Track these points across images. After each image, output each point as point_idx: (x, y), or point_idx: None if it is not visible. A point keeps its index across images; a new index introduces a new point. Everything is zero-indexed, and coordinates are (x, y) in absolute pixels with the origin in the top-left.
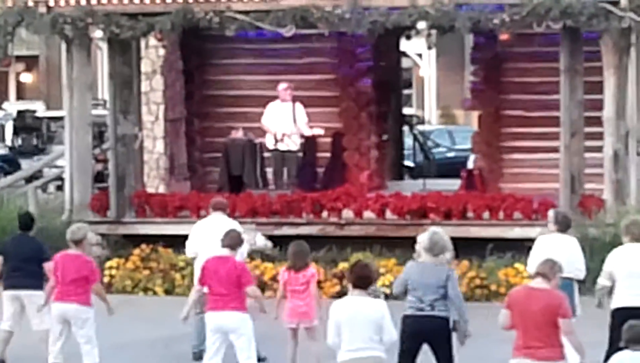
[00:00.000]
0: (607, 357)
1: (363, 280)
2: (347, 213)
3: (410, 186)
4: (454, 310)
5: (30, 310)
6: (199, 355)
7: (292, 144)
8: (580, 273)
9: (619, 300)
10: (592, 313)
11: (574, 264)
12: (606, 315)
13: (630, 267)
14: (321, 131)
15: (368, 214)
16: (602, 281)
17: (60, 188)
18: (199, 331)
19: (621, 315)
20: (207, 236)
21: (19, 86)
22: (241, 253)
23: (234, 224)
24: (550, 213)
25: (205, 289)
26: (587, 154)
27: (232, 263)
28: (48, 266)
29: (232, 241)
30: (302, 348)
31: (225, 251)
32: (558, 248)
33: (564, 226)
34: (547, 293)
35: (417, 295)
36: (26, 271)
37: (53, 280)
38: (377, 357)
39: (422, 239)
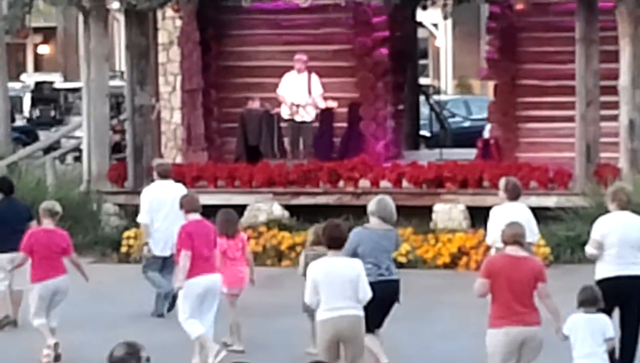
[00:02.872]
0: None
1: (336, 240)
2: (364, 183)
3: (426, 156)
4: None
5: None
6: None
7: (307, 115)
8: (536, 237)
9: (606, 269)
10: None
11: (530, 229)
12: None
13: (617, 235)
14: (334, 104)
15: (384, 183)
16: (590, 249)
17: (78, 158)
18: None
19: (608, 284)
20: (159, 202)
21: (37, 57)
22: None
23: (182, 189)
24: (501, 182)
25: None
26: (603, 123)
27: (208, 225)
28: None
29: (195, 204)
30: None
31: (195, 216)
32: (514, 216)
33: (514, 194)
34: (529, 260)
35: (372, 261)
36: (18, 234)
37: (25, 255)
38: (356, 316)
39: (371, 205)
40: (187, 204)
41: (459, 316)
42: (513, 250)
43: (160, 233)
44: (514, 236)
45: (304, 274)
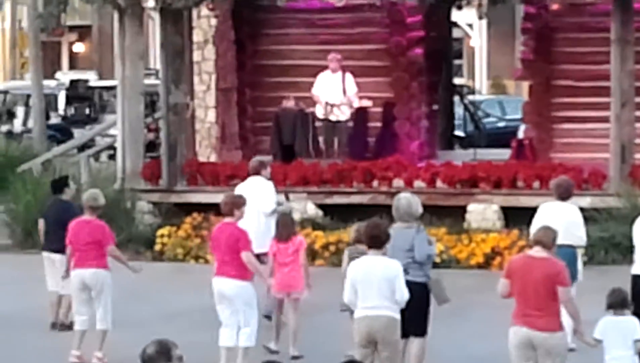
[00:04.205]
0: None
1: (376, 239)
2: (398, 182)
3: (460, 156)
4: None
5: (58, 272)
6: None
7: (342, 114)
8: (581, 241)
9: (636, 267)
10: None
11: (575, 232)
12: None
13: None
14: (369, 103)
15: (418, 183)
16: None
17: (112, 156)
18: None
19: (632, 283)
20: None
21: (72, 55)
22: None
23: (264, 187)
24: (552, 181)
25: None
26: (638, 124)
27: (232, 229)
28: None
29: (227, 206)
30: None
31: (228, 219)
32: (558, 216)
33: (559, 193)
34: (547, 261)
35: None
36: (56, 234)
37: (69, 247)
38: (390, 317)
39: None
40: (222, 207)
41: (492, 317)
42: (535, 251)
43: None
44: (536, 237)
45: None
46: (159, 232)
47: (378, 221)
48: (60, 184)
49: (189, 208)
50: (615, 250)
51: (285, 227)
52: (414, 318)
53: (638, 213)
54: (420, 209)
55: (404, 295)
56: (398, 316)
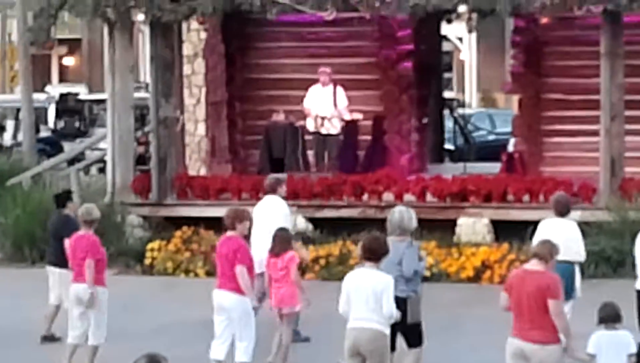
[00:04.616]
0: None
1: (373, 252)
2: (388, 196)
3: (450, 169)
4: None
5: (57, 285)
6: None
7: (332, 127)
8: (579, 257)
9: (638, 282)
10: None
11: (573, 247)
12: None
13: (637, 249)
14: (360, 116)
15: (408, 197)
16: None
17: (102, 170)
18: None
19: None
20: (255, 219)
21: (62, 69)
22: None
23: (282, 206)
24: (551, 198)
25: None
26: (628, 138)
27: (232, 242)
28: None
29: (229, 220)
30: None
31: (230, 233)
32: (557, 232)
33: (558, 210)
34: (540, 274)
35: None
36: (54, 247)
37: (71, 262)
38: (376, 330)
39: None
40: (224, 221)
41: (483, 330)
42: (531, 265)
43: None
44: (533, 250)
45: None
46: (149, 246)
47: (377, 235)
48: (62, 198)
49: (179, 222)
50: (605, 263)
51: (281, 242)
52: (411, 335)
53: (637, 230)
54: (414, 224)
55: (391, 309)
56: (386, 330)
